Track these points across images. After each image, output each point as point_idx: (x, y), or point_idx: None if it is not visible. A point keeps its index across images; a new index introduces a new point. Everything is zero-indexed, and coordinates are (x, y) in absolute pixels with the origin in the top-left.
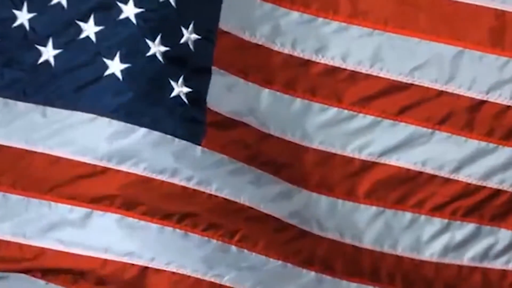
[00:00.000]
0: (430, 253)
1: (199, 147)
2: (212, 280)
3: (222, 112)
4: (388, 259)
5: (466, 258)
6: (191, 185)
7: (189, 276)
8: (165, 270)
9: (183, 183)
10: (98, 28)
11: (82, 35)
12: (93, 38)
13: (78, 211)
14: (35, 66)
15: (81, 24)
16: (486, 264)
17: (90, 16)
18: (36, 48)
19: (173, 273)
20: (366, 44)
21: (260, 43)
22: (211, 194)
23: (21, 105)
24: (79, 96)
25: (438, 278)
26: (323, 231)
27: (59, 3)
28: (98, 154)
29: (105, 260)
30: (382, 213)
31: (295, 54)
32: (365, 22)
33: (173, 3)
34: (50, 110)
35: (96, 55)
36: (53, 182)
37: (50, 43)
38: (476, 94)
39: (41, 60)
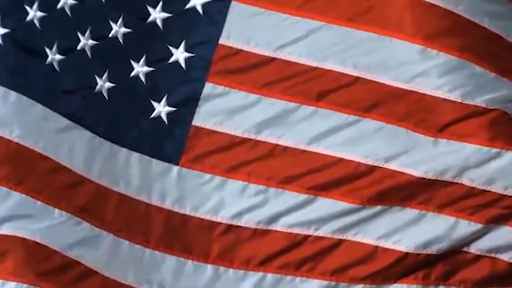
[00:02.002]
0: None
1: (176, 167)
2: None
3: (211, 128)
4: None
5: (474, 248)
6: (165, 205)
7: None
8: None
9: (158, 204)
10: (93, 43)
11: (79, 47)
12: (88, 52)
13: None
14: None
15: (80, 35)
16: (494, 254)
17: (87, 29)
18: (44, 50)
19: None
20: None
21: (267, 54)
22: (185, 215)
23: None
24: (71, 106)
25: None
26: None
27: (62, 8)
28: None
29: None
30: (387, 210)
31: (301, 61)
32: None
33: (159, 24)
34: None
35: (90, 69)
36: None
37: (55, 48)
38: (479, 103)
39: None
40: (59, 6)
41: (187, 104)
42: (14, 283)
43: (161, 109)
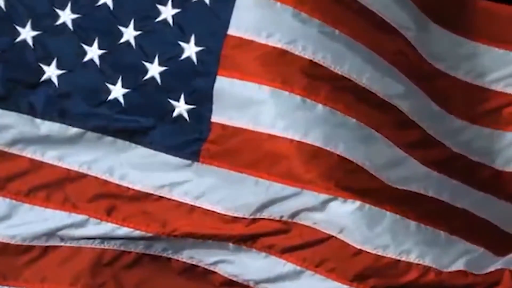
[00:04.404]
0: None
1: (196, 164)
2: None
3: (227, 122)
4: None
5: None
6: (188, 200)
7: None
8: None
9: (180, 199)
10: (101, 52)
11: (86, 58)
12: (97, 61)
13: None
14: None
15: (86, 47)
16: None
17: (94, 40)
18: (40, 67)
19: None
20: None
21: (279, 46)
22: (207, 210)
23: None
24: (84, 116)
25: None
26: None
27: (64, 23)
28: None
29: None
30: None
31: (315, 60)
32: None
33: (170, 22)
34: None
35: (100, 79)
36: None
37: (54, 63)
38: None
39: (44, 78)
40: (58, 22)
41: (203, 99)
42: None
43: (181, 107)
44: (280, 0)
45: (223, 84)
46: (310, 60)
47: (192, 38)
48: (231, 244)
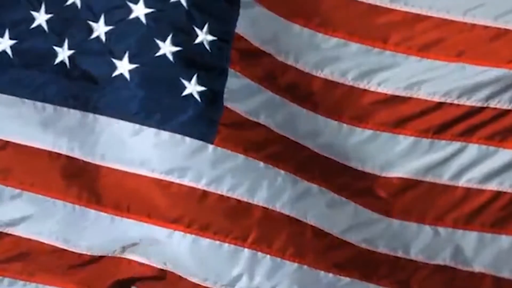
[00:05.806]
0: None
1: (211, 146)
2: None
3: (239, 112)
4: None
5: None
6: (200, 185)
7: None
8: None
9: (192, 184)
10: (108, 28)
11: (93, 36)
12: (103, 38)
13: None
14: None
15: (93, 24)
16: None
17: (100, 16)
18: (53, 48)
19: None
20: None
21: (268, 52)
22: (222, 195)
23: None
24: (91, 97)
25: None
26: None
27: (73, 3)
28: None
29: None
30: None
31: (298, 66)
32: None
33: (184, 4)
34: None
35: (106, 55)
36: None
37: (65, 44)
38: (476, 102)
39: (57, 61)
40: (68, 2)
41: (216, 85)
42: None
43: (193, 87)
44: (273, 10)
45: (233, 76)
46: (296, 69)
47: (206, 26)
48: (245, 250)
